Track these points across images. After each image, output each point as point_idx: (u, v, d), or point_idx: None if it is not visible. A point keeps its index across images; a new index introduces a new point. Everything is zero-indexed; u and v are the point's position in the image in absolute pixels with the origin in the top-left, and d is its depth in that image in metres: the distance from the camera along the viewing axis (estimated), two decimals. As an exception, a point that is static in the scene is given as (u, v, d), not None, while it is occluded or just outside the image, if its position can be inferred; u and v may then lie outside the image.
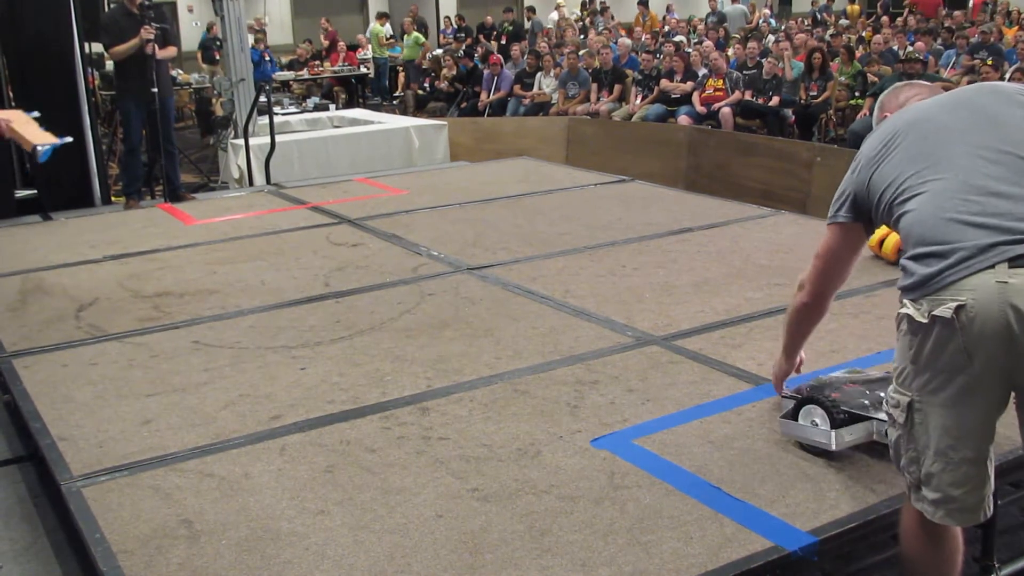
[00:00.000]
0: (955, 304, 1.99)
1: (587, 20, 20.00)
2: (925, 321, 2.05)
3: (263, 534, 2.41)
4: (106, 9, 8.09)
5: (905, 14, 16.64)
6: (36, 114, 6.37)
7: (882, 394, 2.70)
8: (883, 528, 2.44)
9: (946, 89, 2.58)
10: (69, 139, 6.32)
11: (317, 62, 17.25)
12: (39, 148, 5.57)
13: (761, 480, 2.58)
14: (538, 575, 2.21)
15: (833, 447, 2.62)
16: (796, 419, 2.72)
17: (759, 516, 2.40)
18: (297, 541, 2.38)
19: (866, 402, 2.67)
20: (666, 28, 18.40)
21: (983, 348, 1.99)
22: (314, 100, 14.12)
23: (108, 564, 2.31)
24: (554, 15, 20.07)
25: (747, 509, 2.43)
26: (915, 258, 2.10)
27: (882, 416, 2.60)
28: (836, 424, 2.61)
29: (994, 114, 2.20)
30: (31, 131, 5.62)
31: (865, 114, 9.81)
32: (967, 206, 2.06)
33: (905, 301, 2.12)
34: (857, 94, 10.69)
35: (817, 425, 2.66)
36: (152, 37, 6.81)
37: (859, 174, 2.34)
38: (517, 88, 13.37)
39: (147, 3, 7.01)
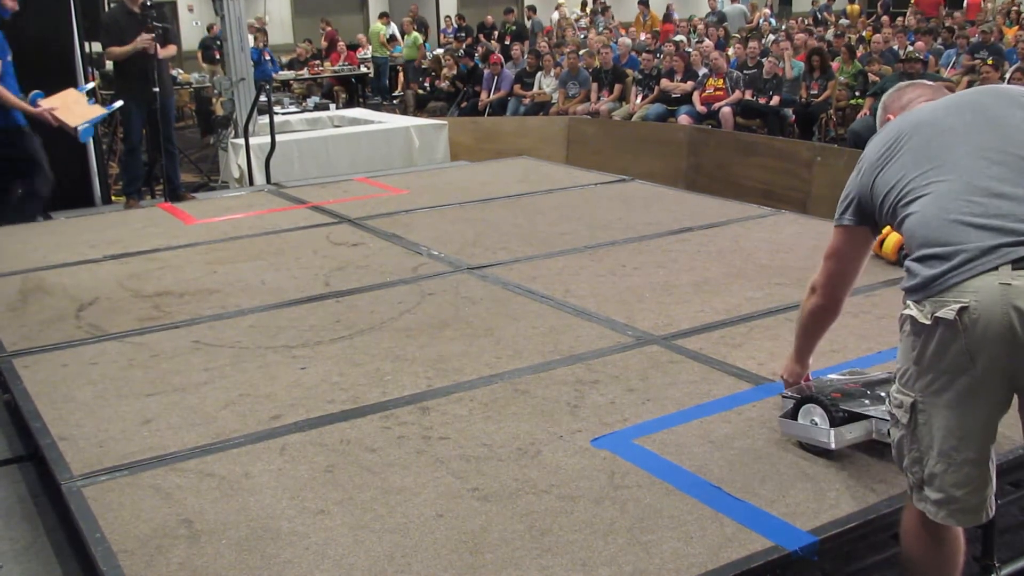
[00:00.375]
0: (958, 306, 1.99)
1: (587, 20, 20.01)
2: (928, 323, 2.05)
3: (263, 534, 2.41)
4: (106, 8, 8.09)
5: (908, 14, 16.63)
6: (91, 86, 6.56)
7: (883, 394, 2.70)
8: (883, 528, 2.44)
9: (948, 89, 2.58)
10: (119, 104, 6.47)
11: (317, 62, 17.26)
12: (79, 129, 5.74)
13: (761, 480, 2.58)
14: (538, 575, 2.21)
15: (832, 446, 2.62)
16: (796, 418, 2.72)
17: (759, 516, 2.40)
18: (297, 541, 2.38)
19: (866, 401, 2.67)
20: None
21: (986, 350, 1.99)
22: (314, 100, 14.14)
23: (108, 564, 2.31)
24: (555, 15, 20.09)
25: (747, 509, 2.43)
26: (919, 260, 2.10)
27: (882, 415, 2.60)
28: (835, 423, 2.61)
29: (997, 116, 2.20)
30: (75, 112, 5.80)
31: (866, 113, 9.81)
32: (970, 207, 2.06)
33: (908, 302, 2.12)
34: (858, 94, 10.69)
35: (816, 424, 2.66)
36: (150, 43, 6.81)
37: (863, 177, 2.34)
38: (517, 88, 13.38)
39: (149, 3, 7.02)
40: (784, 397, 2.85)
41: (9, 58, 6.11)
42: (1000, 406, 2.10)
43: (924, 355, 2.08)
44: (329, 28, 18.80)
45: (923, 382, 2.11)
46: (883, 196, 2.26)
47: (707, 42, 13.78)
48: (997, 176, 2.08)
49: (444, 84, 14.70)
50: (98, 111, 6.20)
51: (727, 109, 10.71)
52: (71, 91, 6.36)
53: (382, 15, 18.82)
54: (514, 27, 18.40)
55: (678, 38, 14.86)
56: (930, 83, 2.62)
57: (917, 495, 2.20)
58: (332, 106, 13.94)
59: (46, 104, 6.07)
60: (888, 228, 4.51)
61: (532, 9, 20.61)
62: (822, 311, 2.63)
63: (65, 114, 6.04)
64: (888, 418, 2.58)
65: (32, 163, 6.22)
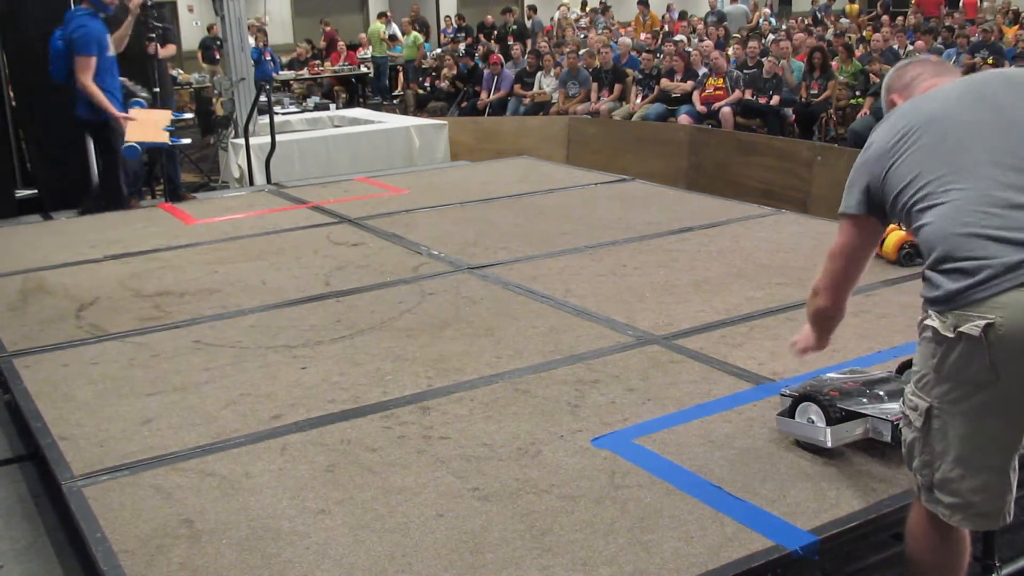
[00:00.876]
0: (983, 322, 1.97)
1: (587, 20, 20.01)
2: (951, 336, 2.03)
3: (264, 533, 2.41)
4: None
5: (910, 13, 16.62)
6: (187, 116, 6.94)
7: (881, 393, 2.71)
8: (884, 527, 2.44)
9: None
10: (185, 141, 6.74)
11: (317, 61, 17.26)
12: (127, 143, 6.08)
13: (762, 479, 2.58)
14: (539, 574, 2.21)
15: (828, 444, 2.62)
16: (793, 416, 2.72)
17: (760, 515, 2.40)
18: (298, 540, 2.38)
19: (864, 400, 2.68)
20: (666, 28, 18.39)
21: (1011, 365, 1.98)
22: (314, 99, 14.14)
23: (109, 563, 2.31)
24: (557, 14, 20.09)
25: (748, 508, 2.43)
26: (940, 271, 2.07)
27: (879, 414, 2.60)
28: (832, 421, 2.61)
29: (1012, 116, 2.15)
30: (143, 130, 6.30)
31: (866, 113, 9.81)
32: (989, 220, 2.03)
33: (930, 312, 2.09)
34: (858, 93, 10.69)
35: (813, 422, 2.66)
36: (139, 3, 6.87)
37: (873, 166, 2.27)
38: (517, 87, 13.37)
39: (148, 3, 7.03)
40: (782, 395, 2.85)
41: (109, 53, 6.33)
42: (1022, 416, 2.08)
43: (944, 365, 2.06)
44: (328, 28, 18.80)
45: (941, 389, 2.09)
46: (896, 193, 2.20)
47: (707, 42, 13.77)
48: (1015, 185, 2.05)
49: (444, 84, 14.70)
50: (158, 138, 6.39)
51: (727, 109, 10.70)
52: (167, 112, 6.68)
53: (381, 15, 18.81)
54: (515, 27, 18.39)
55: (678, 38, 14.85)
56: (933, 58, 2.53)
57: (926, 496, 2.19)
58: (332, 106, 13.94)
59: (133, 113, 6.41)
60: (888, 227, 4.48)
61: (533, 9, 20.61)
62: (827, 313, 2.50)
63: (133, 127, 6.35)
64: (884, 417, 2.59)
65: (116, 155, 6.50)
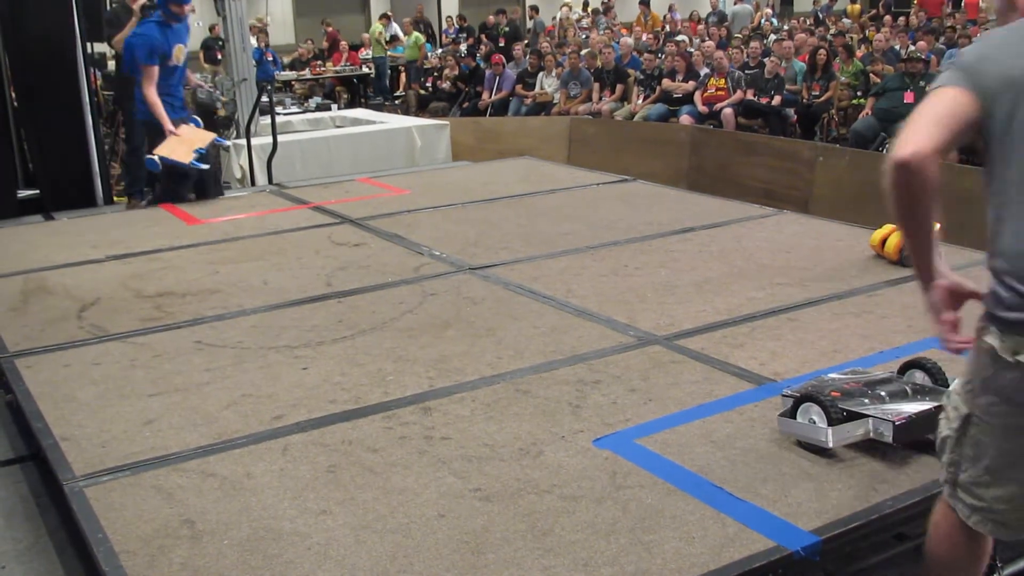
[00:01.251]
0: None
1: (589, 20, 20.01)
2: (1009, 360, 1.99)
3: (265, 534, 2.41)
4: (108, 8, 8.13)
5: (914, 12, 16.59)
6: (228, 143, 7.05)
7: (883, 393, 2.71)
8: (885, 528, 2.44)
9: None
10: (205, 167, 6.77)
11: (319, 62, 17.27)
12: (151, 155, 6.15)
13: (763, 480, 2.57)
14: (540, 575, 2.21)
15: (829, 444, 2.62)
16: (794, 417, 2.72)
17: (761, 516, 2.40)
18: (299, 541, 2.38)
19: (866, 401, 2.68)
20: (667, 28, 18.39)
21: None
22: (316, 100, 14.14)
23: (110, 564, 2.31)
24: (558, 14, 20.10)
25: (749, 509, 2.43)
26: (1008, 290, 2.00)
27: (881, 414, 2.60)
28: (833, 422, 2.62)
29: None
30: (175, 147, 6.46)
31: (867, 113, 9.80)
32: None
33: (992, 328, 2.03)
34: (859, 94, 10.68)
35: (815, 423, 2.66)
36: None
37: (998, 81, 1.98)
38: (519, 88, 13.37)
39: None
40: (784, 396, 2.85)
41: (172, 63, 6.34)
42: None
43: (995, 381, 2.03)
44: (330, 28, 18.81)
45: (985, 401, 2.06)
46: (986, 163, 2.03)
47: (708, 42, 13.77)
48: None
49: (446, 84, 14.71)
50: (183, 158, 6.42)
51: (729, 109, 10.69)
52: (208, 136, 6.71)
53: (383, 16, 18.82)
54: (507, 28, 18.39)
55: (680, 37, 14.84)
56: None
57: (949, 491, 2.18)
58: (334, 106, 13.95)
59: (180, 129, 6.44)
60: (889, 227, 4.49)
61: (535, 9, 20.60)
62: (907, 174, 1.94)
63: (169, 141, 6.34)
64: (886, 418, 2.59)
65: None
